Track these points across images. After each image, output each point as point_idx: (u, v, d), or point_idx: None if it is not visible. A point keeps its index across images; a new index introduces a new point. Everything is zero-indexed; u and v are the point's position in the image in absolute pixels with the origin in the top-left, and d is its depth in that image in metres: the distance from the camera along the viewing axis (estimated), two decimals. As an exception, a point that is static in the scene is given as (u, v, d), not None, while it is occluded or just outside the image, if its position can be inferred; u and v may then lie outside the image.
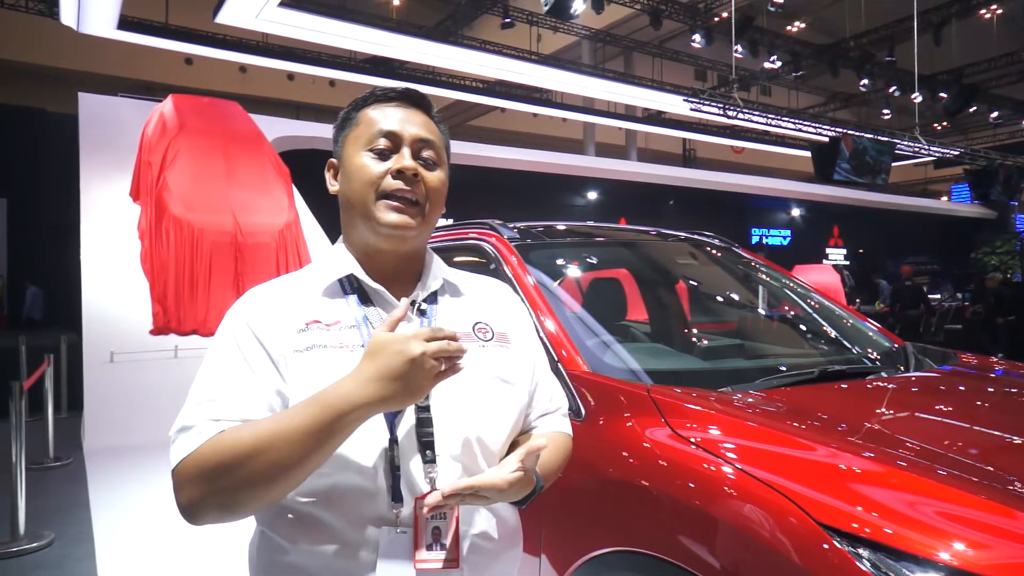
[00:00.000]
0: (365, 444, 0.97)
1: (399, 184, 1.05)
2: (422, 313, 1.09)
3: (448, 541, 0.97)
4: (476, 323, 1.13)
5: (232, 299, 6.16)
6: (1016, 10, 12.43)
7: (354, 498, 0.97)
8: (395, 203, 1.05)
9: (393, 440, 0.98)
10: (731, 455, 1.42)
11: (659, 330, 2.75)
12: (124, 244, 6.80)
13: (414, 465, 0.99)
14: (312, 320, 1.03)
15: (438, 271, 1.15)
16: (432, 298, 1.12)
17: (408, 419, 1.00)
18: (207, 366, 1.01)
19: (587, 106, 17.67)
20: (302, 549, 0.98)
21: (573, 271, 2.61)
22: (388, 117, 1.09)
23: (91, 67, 16.17)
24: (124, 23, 10.32)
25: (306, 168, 8.92)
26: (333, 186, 1.13)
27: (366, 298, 1.08)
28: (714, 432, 1.53)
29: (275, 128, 9.62)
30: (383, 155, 1.07)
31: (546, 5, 9.65)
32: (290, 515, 0.99)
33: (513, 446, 1.11)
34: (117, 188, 7.30)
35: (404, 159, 1.06)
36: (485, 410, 1.06)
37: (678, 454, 1.49)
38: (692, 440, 1.50)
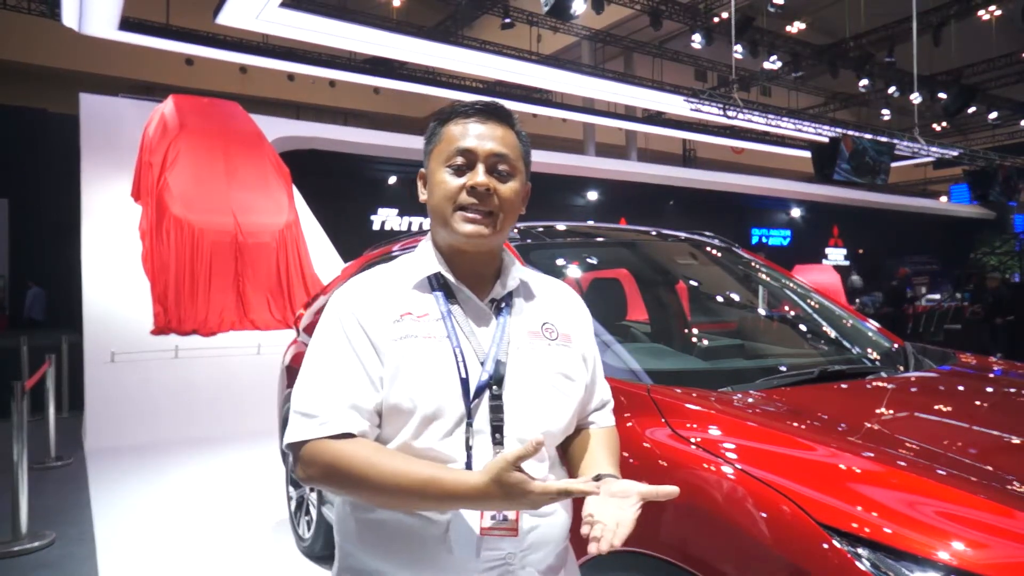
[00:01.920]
0: (446, 424, 1.11)
1: (472, 200, 1.15)
2: (499, 311, 1.21)
3: (509, 513, 1.10)
4: (544, 323, 1.25)
5: (232, 299, 6.14)
6: (1017, 11, 12.43)
7: None
8: (470, 215, 1.16)
9: (469, 423, 1.11)
10: (731, 455, 1.42)
11: (659, 330, 2.76)
12: (125, 244, 6.80)
13: (485, 445, 1.12)
14: (405, 312, 1.17)
15: (516, 272, 1.26)
16: (508, 297, 1.23)
17: (483, 405, 1.13)
18: (321, 349, 1.15)
19: (587, 106, 17.66)
20: (385, 512, 1.13)
21: (573, 271, 2.61)
22: (467, 133, 1.18)
23: (92, 67, 16.16)
24: (125, 24, 10.32)
25: (306, 168, 8.98)
26: (423, 195, 1.25)
27: (450, 293, 1.20)
28: (714, 432, 1.53)
29: (275, 128, 9.63)
30: (460, 171, 1.17)
31: (546, 5, 9.65)
32: None
33: (575, 439, 1.27)
34: (118, 188, 7.31)
35: (477, 176, 1.16)
36: (549, 401, 1.19)
37: (678, 454, 1.49)
38: (692, 440, 1.50)
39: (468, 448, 1.11)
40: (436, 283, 1.21)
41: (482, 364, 1.14)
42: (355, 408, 1.10)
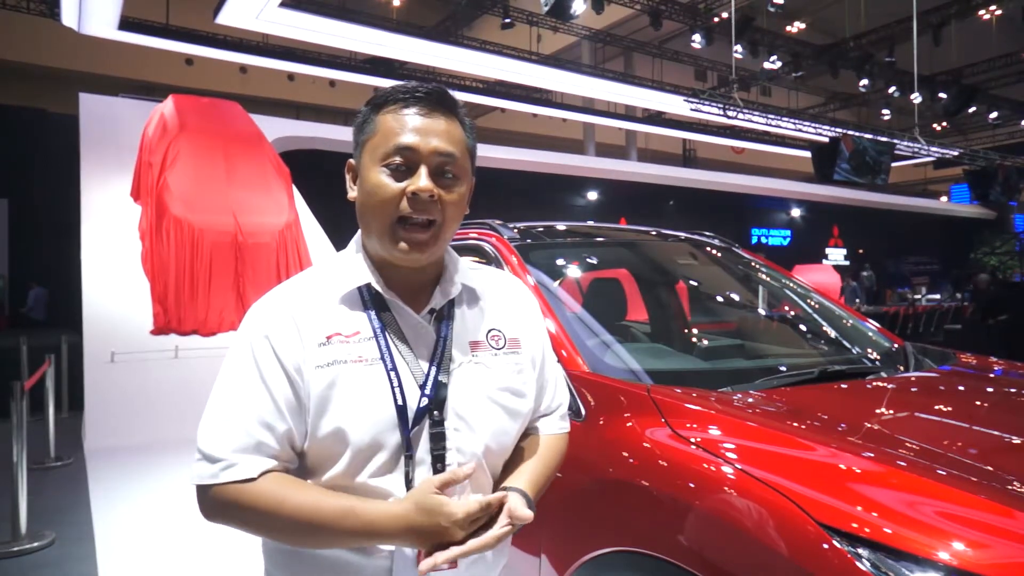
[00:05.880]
0: (383, 458, 1.01)
1: (412, 210, 1.01)
2: (439, 323, 1.10)
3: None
4: (490, 330, 1.14)
5: (232, 299, 6.12)
6: (1017, 11, 12.42)
7: None
8: (409, 226, 1.02)
9: (409, 455, 1.02)
10: (731, 455, 1.42)
11: (659, 330, 2.75)
12: (124, 244, 6.80)
13: (426, 475, 1.03)
14: (333, 333, 1.03)
15: (459, 277, 1.13)
16: (449, 306, 1.12)
17: (423, 434, 1.03)
18: (228, 378, 1.03)
19: (587, 106, 17.66)
20: (319, 550, 1.03)
21: (573, 271, 2.61)
22: (406, 127, 1.02)
23: (92, 67, 16.15)
24: (125, 24, 10.32)
25: (306, 168, 8.97)
26: (352, 191, 1.10)
27: (383, 307, 1.07)
28: (714, 432, 1.53)
29: (275, 128, 9.62)
30: (398, 172, 1.02)
31: (546, 5, 9.64)
32: None
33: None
34: (117, 188, 7.31)
35: (420, 180, 1.01)
36: (495, 422, 1.09)
37: (678, 454, 1.49)
38: (692, 440, 1.50)
39: (408, 482, 1.01)
40: (367, 296, 1.07)
41: (421, 387, 1.03)
42: (259, 448, 0.98)
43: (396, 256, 1.04)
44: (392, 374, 1.02)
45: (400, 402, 1.01)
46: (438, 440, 1.03)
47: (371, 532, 0.95)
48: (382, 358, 1.03)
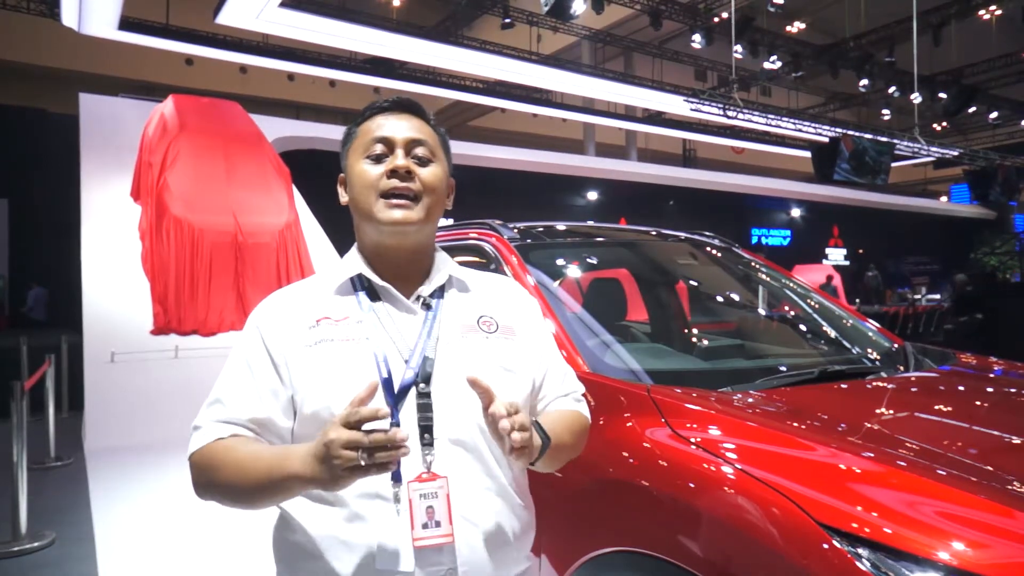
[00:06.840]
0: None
1: (395, 183, 1.13)
2: (427, 307, 1.16)
3: (441, 519, 1.03)
4: (481, 316, 1.19)
5: (232, 299, 6.12)
6: (1017, 11, 12.41)
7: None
8: (394, 201, 1.13)
9: (395, 423, 1.04)
10: (731, 455, 1.42)
11: (659, 330, 2.76)
12: (124, 244, 6.80)
13: (413, 448, 1.04)
14: (323, 317, 1.13)
15: (446, 268, 1.22)
16: (439, 293, 1.19)
17: (410, 405, 1.06)
18: (224, 368, 1.15)
19: (587, 106, 17.65)
20: (307, 528, 1.06)
21: (573, 271, 2.61)
22: (383, 125, 1.17)
23: (92, 67, 16.14)
24: (125, 24, 10.32)
25: (306, 168, 8.97)
26: (344, 198, 1.22)
27: (375, 295, 1.16)
28: (714, 432, 1.53)
29: (275, 128, 9.62)
30: (379, 159, 1.15)
31: (546, 5, 9.64)
32: (298, 496, 1.06)
33: None
34: (117, 188, 7.31)
35: (397, 159, 1.14)
36: None
37: (678, 454, 1.49)
38: (692, 440, 1.50)
39: None
40: (359, 284, 1.17)
41: (407, 362, 1.09)
42: (230, 422, 1.08)
43: (386, 231, 1.13)
44: (378, 351, 1.09)
45: (385, 375, 1.06)
46: (425, 411, 1.06)
47: (283, 469, 0.97)
48: (368, 338, 1.10)
